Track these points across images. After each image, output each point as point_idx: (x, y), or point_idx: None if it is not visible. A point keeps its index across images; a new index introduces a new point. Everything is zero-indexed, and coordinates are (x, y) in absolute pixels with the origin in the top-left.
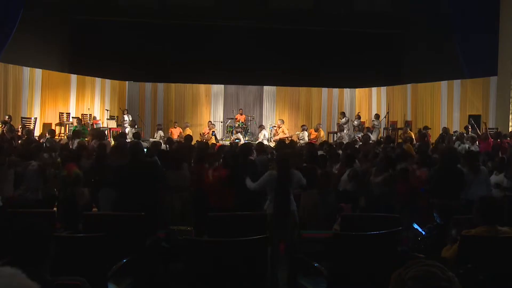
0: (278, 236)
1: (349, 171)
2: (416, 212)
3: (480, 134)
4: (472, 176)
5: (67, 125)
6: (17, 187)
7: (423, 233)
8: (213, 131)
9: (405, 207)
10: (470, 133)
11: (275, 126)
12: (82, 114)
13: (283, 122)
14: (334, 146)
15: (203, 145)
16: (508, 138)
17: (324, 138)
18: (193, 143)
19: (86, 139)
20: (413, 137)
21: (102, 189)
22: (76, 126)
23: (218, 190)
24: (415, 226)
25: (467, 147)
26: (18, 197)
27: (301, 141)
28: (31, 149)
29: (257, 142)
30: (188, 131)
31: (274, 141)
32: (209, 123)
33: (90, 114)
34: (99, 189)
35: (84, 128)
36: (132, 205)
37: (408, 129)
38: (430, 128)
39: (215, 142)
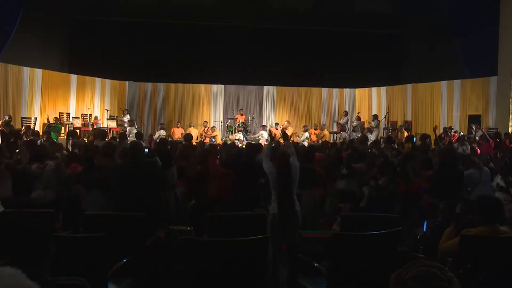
0: (281, 236)
1: (347, 171)
2: (418, 212)
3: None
4: (478, 177)
5: (67, 125)
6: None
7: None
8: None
9: (407, 207)
10: (474, 133)
11: (276, 127)
12: (82, 114)
13: (289, 123)
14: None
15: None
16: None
17: (327, 138)
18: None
19: (60, 136)
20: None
21: (89, 192)
22: (52, 123)
23: (221, 184)
24: (425, 225)
25: (467, 149)
26: (36, 198)
27: (302, 142)
28: (46, 149)
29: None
30: (190, 131)
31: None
32: (205, 123)
33: (90, 114)
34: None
35: (58, 126)
36: (132, 205)
37: (403, 129)
38: (453, 128)
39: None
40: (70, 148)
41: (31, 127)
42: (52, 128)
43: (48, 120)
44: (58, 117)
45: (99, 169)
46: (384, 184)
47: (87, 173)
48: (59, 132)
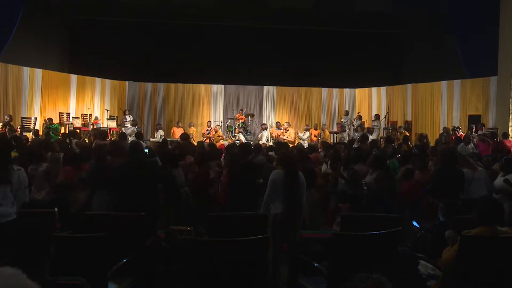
0: (282, 236)
1: (346, 172)
2: (417, 212)
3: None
4: (471, 175)
5: (67, 125)
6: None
7: (422, 231)
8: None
9: (407, 207)
10: (474, 133)
11: (278, 127)
12: (82, 114)
13: (289, 125)
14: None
15: (203, 145)
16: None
17: (329, 139)
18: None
19: (58, 137)
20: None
21: (97, 192)
22: (50, 124)
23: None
24: (414, 223)
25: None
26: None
27: (302, 141)
28: (41, 150)
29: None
30: (192, 131)
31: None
32: (209, 123)
33: (90, 114)
34: (95, 192)
35: (55, 126)
36: (132, 205)
37: (403, 129)
38: (460, 128)
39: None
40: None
41: (31, 127)
42: (49, 129)
43: (45, 121)
44: (52, 117)
45: (108, 168)
46: (378, 178)
47: (96, 173)
48: (58, 131)
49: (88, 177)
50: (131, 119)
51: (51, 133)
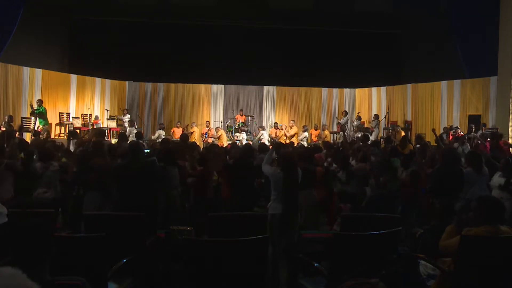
0: (282, 236)
1: (345, 172)
2: (418, 212)
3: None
4: (475, 176)
5: (67, 125)
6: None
7: (422, 231)
8: (206, 132)
9: (408, 207)
10: (472, 133)
11: (275, 126)
12: (82, 114)
13: (294, 122)
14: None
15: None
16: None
17: (329, 139)
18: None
19: (61, 136)
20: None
21: (88, 193)
22: (37, 109)
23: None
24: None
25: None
26: (37, 197)
27: (300, 141)
28: (51, 150)
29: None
30: (192, 130)
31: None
32: (207, 123)
33: (90, 114)
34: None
35: (42, 108)
36: (132, 205)
37: (399, 128)
38: (459, 128)
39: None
40: (72, 148)
41: (31, 127)
42: (37, 114)
43: (31, 106)
44: (52, 117)
45: (94, 169)
46: (384, 182)
47: (82, 174)
48: (44, 114)
49: (74, 178)
50: (129, 119)
51: (38, 119)
